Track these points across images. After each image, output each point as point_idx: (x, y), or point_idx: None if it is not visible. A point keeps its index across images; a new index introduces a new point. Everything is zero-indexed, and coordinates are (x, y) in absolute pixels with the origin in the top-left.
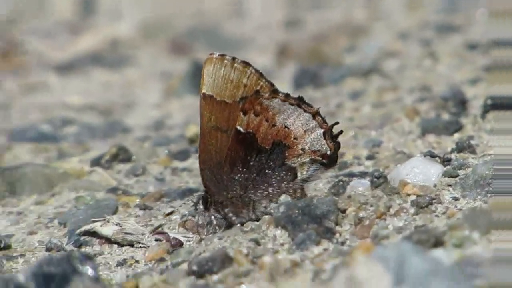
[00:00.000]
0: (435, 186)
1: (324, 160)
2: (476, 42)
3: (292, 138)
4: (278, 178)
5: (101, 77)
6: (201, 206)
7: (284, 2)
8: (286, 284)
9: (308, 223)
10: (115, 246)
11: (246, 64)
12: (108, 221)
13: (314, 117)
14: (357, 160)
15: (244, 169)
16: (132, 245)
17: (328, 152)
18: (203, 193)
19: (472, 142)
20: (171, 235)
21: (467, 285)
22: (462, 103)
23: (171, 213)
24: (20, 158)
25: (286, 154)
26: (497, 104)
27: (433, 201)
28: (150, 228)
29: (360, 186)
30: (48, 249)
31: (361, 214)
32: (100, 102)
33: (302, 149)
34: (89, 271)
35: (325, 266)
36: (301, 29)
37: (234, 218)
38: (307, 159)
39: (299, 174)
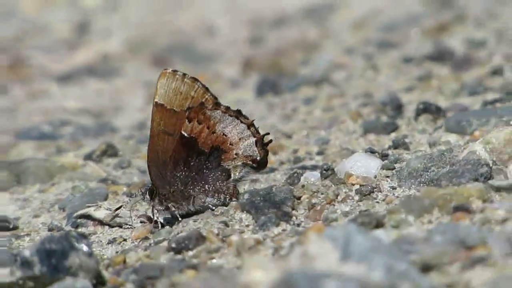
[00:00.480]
0: (375, 177)
1: (254, 164)
2: (411, 56)
3: (228, 144)
4: (214, 177)
5: (94, 85)
6: (148, 197)
7: (249, 22)
8: (250, 258)
9: (269, 208)
10: (106, 227)
11: (195, 79)
12: (100, 206)
13: (249, 128)
14: (309, 155)
15: (185, 168)
16: (120, 226)
17: (258, 158)
18: (149, 186)
19: (406, 140)
20: (154, 217)
21: (404, 260)
22: (398, 108)
23: (119, 207)
24: (25, 154)
25: (222, 158)
26: (427, 108)
27: (374, 189)
28: (135, 212)
29: (312, 177)
30: (50, 230)
31: (313, 201)
32: (93, 106)
33: (236, 154)
34: (84, 248)
35: (284, 244)
36: (263, 45)
37: (174, 209)
38: (240, 163)
39: (232, 175)
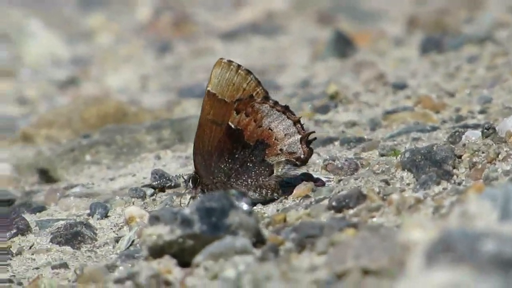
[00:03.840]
0: None
1: (297, 162)
2: None
3: (273, 139)
4: (257, 172)
5: (258, 43)
6: (190, 184)
7: None
8: (410, 217)
9: (430, 166)
10: None
11: (248, 72)
12: None
13: (295, 124)
14: (471, 114)
15: (230, 160)
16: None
17: (302, 156)
18: (193, 174)
19: None
20: (315, 176)
21: None
22: None
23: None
24: (187, 111)
25: (267, 152)
26: None
27: None
28: (296, 170)
29: (473, 136)
30: None
31: (474, 160)
32: (257, 64)
33: (281, 150)
34: (244, 206)
35: (444, 202)
36: (428, 3)
37: None
38: (283, 159)
39: (275, 171)
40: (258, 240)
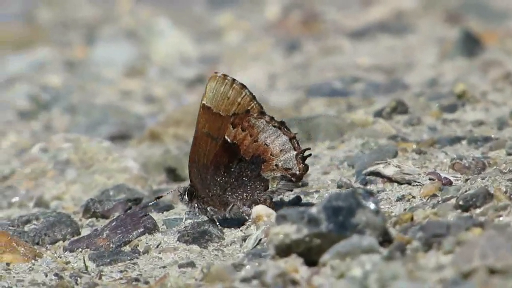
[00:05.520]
0: None
1: (292, 178)
2: None
3: (269, 154)
4: (252, 186)
5: (386, 42)
6: (186, 198)
7: None
8: None
9: None
10: (395, 184)
11: (243, 86)
12: (389, 163)
13: (290, 140)
14: None
15: (226, 174)
16: (409, 183)
17: (297, 172)
18: (189, 187)
19: None
20: (442, 175)
21: None
22: None
23: (159, 197)
24: (316, 110)
25: (262, 167)
26: None
27: None
28: (424, 169)
29: None
30: (339, 186)
31: None
32: (385, 63)
33: (276, 165)
34: (371, 205)
35: None
36: None
37: (212, 213)
38: (279, 175)
39: (270, 186)
40: (385, 239)
